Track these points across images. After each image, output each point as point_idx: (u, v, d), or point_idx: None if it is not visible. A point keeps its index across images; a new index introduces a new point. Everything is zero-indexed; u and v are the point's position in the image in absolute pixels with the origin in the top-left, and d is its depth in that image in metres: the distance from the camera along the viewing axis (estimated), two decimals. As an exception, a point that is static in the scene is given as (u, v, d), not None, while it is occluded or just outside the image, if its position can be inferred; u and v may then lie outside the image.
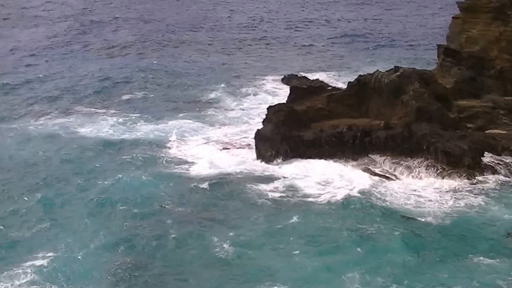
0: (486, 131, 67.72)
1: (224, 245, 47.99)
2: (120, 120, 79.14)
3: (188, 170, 63.05)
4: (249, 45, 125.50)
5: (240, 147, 69.00)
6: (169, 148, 68.96)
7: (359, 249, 47.45)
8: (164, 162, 64.73)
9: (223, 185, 59.88)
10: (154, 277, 44.09)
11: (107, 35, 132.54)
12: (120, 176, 60.60)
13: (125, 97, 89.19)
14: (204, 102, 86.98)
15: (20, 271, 44.50)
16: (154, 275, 44.34)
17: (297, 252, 47.24)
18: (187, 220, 52.58)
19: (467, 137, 64.88)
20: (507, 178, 60.23)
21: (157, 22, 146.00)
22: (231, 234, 49.99)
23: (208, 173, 62.22)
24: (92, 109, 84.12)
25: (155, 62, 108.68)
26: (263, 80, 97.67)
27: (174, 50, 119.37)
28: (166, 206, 55.04)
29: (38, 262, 45.52)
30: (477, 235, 49.83)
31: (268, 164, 64.44)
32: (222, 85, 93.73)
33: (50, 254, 46.62)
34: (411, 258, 46.00)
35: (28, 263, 45.43)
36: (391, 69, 72.06)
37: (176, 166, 63.82)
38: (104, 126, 76.73)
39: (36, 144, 71.21)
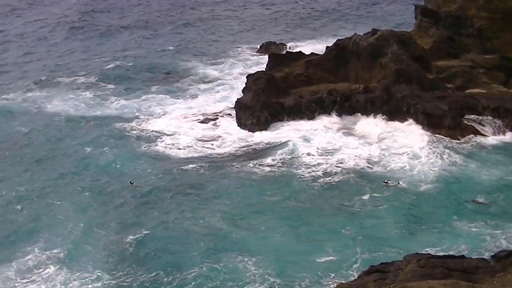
0: (466, 91, 67.37)
1: (202, 220, 47.85)
2: (93, 94, 78.42)
3: (166, 144, 62.34)
4: (224, 15, 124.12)
5: (220, 117, 68.41)
6: (146, 122, 68.24)
7: (338, 218, 47.32)
8: (140, 137, 64.05)
9: (203, 158, 59.30)
10: (142, 251, 44.07)
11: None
12: (95, 152, 60.36)
13: (100, 70, 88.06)
14: (181, 73, 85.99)
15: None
16: (142, 249, 44.32)
17: (273, 225, 47.00)
18: (165, 196, 51.94)
19: (447, 97, 64.69)
20: (488, 137, 60.17)
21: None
22: (209, 207, 49.73)
23: (187, 146, 61.72)
24: (65, 84, 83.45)
25: (132, 37, 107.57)
26: (240, 49, 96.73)
27: (150, 24, 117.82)
28: (144, 183, 54.32)
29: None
30: (458, 198, 49.66)
31: (249, 132, 64.10)
32: (199, 57, 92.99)
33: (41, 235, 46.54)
34: (389, 225, 46.04)
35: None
36: (369, 32, 71.56)
37: (152, 141, 63.09)
38: (76, 101, 76.15)
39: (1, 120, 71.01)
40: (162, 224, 47.38)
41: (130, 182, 53.94)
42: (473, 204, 48.09)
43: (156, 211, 49.28)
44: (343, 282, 35.65)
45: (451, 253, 39.25)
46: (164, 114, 70.57)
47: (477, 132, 60.95)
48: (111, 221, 47.83)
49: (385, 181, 52.44)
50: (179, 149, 61.30)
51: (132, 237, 45.58)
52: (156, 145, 62.28)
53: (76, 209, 50.04)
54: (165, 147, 61.87)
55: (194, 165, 57.27)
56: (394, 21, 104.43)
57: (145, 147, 61.75)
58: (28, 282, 41.42)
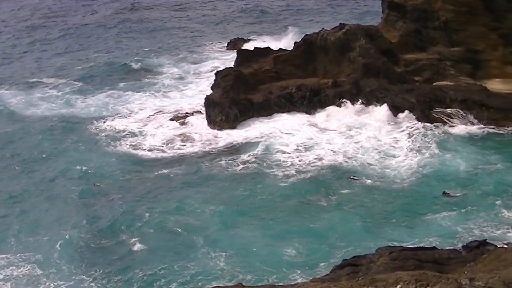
0: (434, 83, 67.73)
1: (172, 218, 47.43)
2: (61, 93, 77.54)
3: (133, 144, 61.54)
4: (192, 13, 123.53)
5: (189, 115, 67.86)
6: (113, 121, 67.36)
7: (309, 214, 47.16)
8: (106, 137, 63.12)
9: (172, 157, 58.71)
10: (112, 252, 43.70)
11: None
12: (60, 153, 59.77)
13: (67, 70, 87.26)
14: (149, 72, 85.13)
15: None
16: (113, 249, 43.97)
17: (244, 221, 46.80)
18: (134, 197, 51.33)
19: (415, 90, 65.01)
20: (457, 129, 60.53)
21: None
22: (179, 206, 49.25)
23: (156, 145, 61.04)
24: (32, 83, 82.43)
25: (100, 36, 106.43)
26: (209, 46, 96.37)
27: (117, 24, 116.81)
28: (111, 183, 53.65)
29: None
30: (429, 191, 49.80)
31: (219, 129, 63.65)
32: (167, 55, 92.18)
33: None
34: (358, 219, 45.96)
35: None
36: (336, 27, 71.58)
37: (119, 141, 62.18)
38: (42, 100, 75.34)
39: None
40: (131, 224, 46.77)
41: (95, 184, 53.27)
42: (443, 197, 48.19)
43: (125, 211, 48.54)
44: (317, 277, 35.60)
45: (421, 245, 39.37)
46: (132, 113, 69.82)
47: (446, 124, 61.30)
48: (80, 223, 47.09)
49: (352, 176, 52.49)
50: (147, 148, 60.55)
51: (102, 238, 45.05)
52: (124, 145, 61.44)
53: (42, 212, 49.37)
54: (133, 146, 61.06)
55: (163, 165, 56.69)
56: (361, 15, 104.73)
57: (112, 147, 60.91)
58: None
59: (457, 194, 48.39)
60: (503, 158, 53.84)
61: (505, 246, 31.18)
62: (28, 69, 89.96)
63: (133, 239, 44.66)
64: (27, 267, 42.23)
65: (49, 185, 54.13)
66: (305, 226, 45.26)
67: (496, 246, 34.66)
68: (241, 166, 55.60)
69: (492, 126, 60.50)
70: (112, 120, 67.60)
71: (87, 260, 42.67)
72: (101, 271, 41.42)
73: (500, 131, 59.62)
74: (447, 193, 48.62)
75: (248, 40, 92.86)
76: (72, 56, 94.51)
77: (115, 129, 65.16)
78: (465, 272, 22.11)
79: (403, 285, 14.51)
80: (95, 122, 67.33)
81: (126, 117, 68.68)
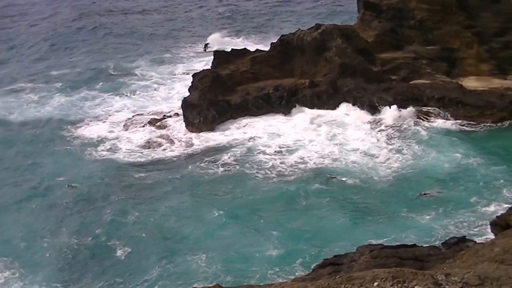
0: (411, 82, 68.20)
1: (152, 220, 47.39)
2: (37, 97, 77.07)
3: (110, 147, 61.17)
4: (168, 15, 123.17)
5: (167, 117, 67.59)
6: (89, 125, 67.00)
7: (289, 214, 47.22)
8: (83, 141, 62.79)
9: (150, 160, 58.34)
10: (91, 256, 43.48)
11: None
12: (36, 157, 59.40)
13: (43, 75, 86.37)
14: (126, 75, 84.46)
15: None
16: (91, 254, 43.75)
17: (225, 222, 46.78)
18: (113, 201, 51.02)
19: (392, 89, 65.38)
20: (434, 127, 60.88)
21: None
22: (159, 209, 49.20)
23: (133, 149, 60.64)
24: (7, 88, 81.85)
25: (75, 41, 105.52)
26: (186, 47, 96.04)
27: (94, 20, 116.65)
28: (89, 187, 53.33)
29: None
30: (407, 189, 50.08)
31: (197, 131, 63.44)
32: (144, 58, 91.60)
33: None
34: (337, 218, 46.10)
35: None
36: (312, 27, 71.76)
37: (96, 145, 61.75)
38: (17, 104, 74.75)
39: None
40: (113, 229, 46.58)
41: (69, 185, 52.95)
42: (422, 198, 48.45)
43: (103, 215, 48.36)
44: (298, 276, 35.62)
45: (397, 243, 39.59)
46: (109, 116, 69.35)
47: (423, 122, 61.64)
48: (57, 228, 46.95)
49: (330, 175, 52.66)
50: (125, 152, 60.05)
51: (79, 242, 44.83)
52: (102, 149, 61.02)
53: (19, 217, 49.01)
54: (110, 151, 60.65)
55: (142, 169, 56.40)
56: (337, 15, 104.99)
57: (89, 151, 60.50)
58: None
59: (434, 194, 48.62)
60: (480, 155, 54.27)
61: (483, 242, 31.33)
62: (4, 75, 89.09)
63: (115, 244, 44.48)
64: (6, 272, 41.82)
65: (28, 192, 53.65)
66: (286, 226, 45.30)
67: (475, 242, 34.85)
68: (222, 169, 55.49)
69: (469, 123, 60.95)
70: (89, 124, 67.21)
71: (68, 266, 42.41)
72: (84, 277, 41.22)
73: (477, 128, 60.09)
74: (423, 193, 48.82)
75: (225, 41, 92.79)
76: (48, 61, 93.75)
77: (93, 133, 64.71)
78: (444, 268, 22.16)
79: (380, 282, 14.56)
80: (71, 126, 66.87)
81: (103, 120, 68.21)
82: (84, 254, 43.58)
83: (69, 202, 50.97)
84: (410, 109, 62.35)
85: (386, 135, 59.35)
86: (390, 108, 61.92)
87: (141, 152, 59.82)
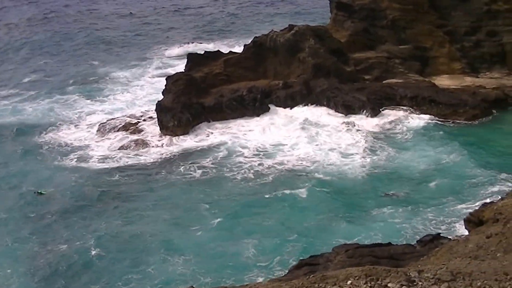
0: (384, 81, 68.59)
1: (128, 225, 46.98)
2: (9, 102, 76.19)
3: (84, 153, 60.24)
4: (141, 20, 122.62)
5: (142, 121, 66.99)
6: (63, 132, 66.02)
7: (263, 216, 47.00)
8: (56, 147, 61.87)
9: (126, 165, 57.69)
10: (66, 263, 42.70)
11: None
12: (7, 165, 58.61)
13: (15, 81, 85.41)
14: (99, 80, 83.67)
15: None
16: (66, 261, 42.97)
17: (202, 224, 46.51)
18: (87, 207, 50.37)
19: (365, 88, 65.70)
20: (407, 126, 61.21)
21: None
22: (135, 213, 48.88)
23: (108, 154, 59.80)
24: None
25: (48, 46, 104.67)
26: (159, 52, 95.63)
27: (63, 26, 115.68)
28: (63, 194, 52.45)
29: None
30: (377, 189, 50.20)
31: (172, 134, 63.05)
32: (117, 63, 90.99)
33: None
34: (311, 219, 46.08)
35: None
36: (285, 28, 71.83)
37: (70, 151, 60.82)
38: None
39: None
40: (86, 233, 46.01)
41: (37, 192, 52.23)
42: (389, 197, 48.61)
43: (75, 222, 47.81)
44: (274, 277, 35.54)
45: (372, 242, 39.74)
46: (81, 121, 68.79)
47: (396, 121, 61.98)
48: (31, 236, 46.22)
49: (306, 176, 52.83)
50: (98, 157, 59.36)
51: (51, 249, 44.16)
52: (73, 154, 60.33)
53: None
54: (81, 155, 59.98)
55: (115, 173, 55.89)
56: (310, 16, 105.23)
57: (60, 156, 59.82)
58: None
59: (398, 194, 48.76)
60: (454, 153, 54.67)
61: (457, 238, 31.50)
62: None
63: (91, 249, 43.83)
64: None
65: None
66: (263, 227, 45.18)
67: (449, 239, 35.03)
68: (199, 172, 55.27)
69: (442, 121, 61.41)
70: (61, 130, 66.40)
71: (40, 274, 41.64)
72: (57, 284, 40.56)
73: (450, 126, 60.57)
74: (388, 193, 49.00)
75: (199, 44, 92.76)
76: (21, 66, 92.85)
77: (65, 138, 63.97)
78: (419, 266, 22.20)
79: (354, 280, 14.52)
80: (43, 131, 66.13)
81: (76, 125, 67.59)
82: (57, 262, 42.80)
83: (39, 210, 50.15)
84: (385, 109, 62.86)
85: (362, 135, 59.39)
86: (365, 109, 62.13)
87: (115, 157, 59.06)
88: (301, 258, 36.38)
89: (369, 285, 14.33)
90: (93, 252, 43.54)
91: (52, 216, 48.94)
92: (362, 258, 33.44)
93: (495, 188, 47.37)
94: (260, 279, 38.06)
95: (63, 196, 52.17)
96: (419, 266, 20.90)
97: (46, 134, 65.39)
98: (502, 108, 63.35)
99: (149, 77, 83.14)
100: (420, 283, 14.37)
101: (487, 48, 68.18)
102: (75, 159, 59.30)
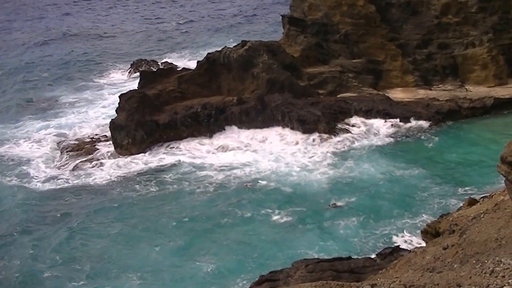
0: (338, 95, 68.81)
1: (81, 244, 45.87)
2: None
3: (33, 175, 58.54)
4: (92, 36, 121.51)
5: (95, 141, 65.90)
6: (11, 153, 64.21)
7: (219, 232, 46.62)
8: (4, 168, 60.43)
9: (79, 185, 56.37)
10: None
11: None
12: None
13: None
14: (49, 100, 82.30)
15: None
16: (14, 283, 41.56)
17: (157, 240, 45.89)
18: (36, 227, 49.00)
19: (319, 103, 65.80)
20: (360, 139, 61.39)
21: None
22: (87, 232, 47.77)
23: (57, 175, 58.29)
24: None
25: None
26: (111, 68, 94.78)
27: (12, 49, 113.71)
28: (10, 216, 51.08)
29: None
30: (328, 200, 50.16)
31: (127, 153, 62.10)
32: (67, 81, 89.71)
33: None
34: (272, 231, 45.87)
35: None
36: (238, 44, 71.67)
37: (20, 174, 59.07)
38: None
39: None
40: (34, 255, 44.62)
41: None
42: (336, 208, 48.64)
43: (24, 245, 46.18)
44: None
45: (322, 255, 39.67)
46: (31, 142, 67.06)
47: (349, 134, 62.22)
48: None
49: (247, 184, 53.53)
50: (49, 177, 57.93)
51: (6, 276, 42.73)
52: (20, 174, 58.91)
53: None
54: (29, 175, 58.57)
55: (66, 194, 54.56)
56: (262, 32, 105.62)
57: (6, 178, 58.12)
58: None
59: (341, 205, 48.83)
60: (406, 165, 55.10)
61: (415, 250, 31.51)
62: None
63: (43, 271, 42.52)
64: None
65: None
66: (221, 243, 44.68)
67: (409, 251, 35.04)
68: (155, 188, 54.68)
69: (397, 135, 61.78)
70: (11, 151, 64.77)
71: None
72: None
73: (405, 139, 60.98)
74: (332, 204, 49.05)
75: (152, 61, 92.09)
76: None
77: (12, 158, 62.52)
78: (378, 279, 22.06)
79: (308, 296, 14.21)
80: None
81: (26, 146, 65.98)
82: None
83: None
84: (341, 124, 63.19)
85: (320, 150, 59.46)
86: (320, 123, 62.25)
87: (65, 178, 57.80)
88: (261, 274, 35.96)
89: (323, 300, 14.06)
90: (42, 275, 42.08)
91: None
92: (323, 273, 33.29)
93: (451, 200, 47.67)
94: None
95: (7, 218, 50.55)
96: (378, 279, 20.70)
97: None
98: (455, 119, 64.02)
99: (103, 96, 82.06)
100: (374, 297, 14.17)
101: (439, 60, 69.04)
102: (19, 179, 57.82)
